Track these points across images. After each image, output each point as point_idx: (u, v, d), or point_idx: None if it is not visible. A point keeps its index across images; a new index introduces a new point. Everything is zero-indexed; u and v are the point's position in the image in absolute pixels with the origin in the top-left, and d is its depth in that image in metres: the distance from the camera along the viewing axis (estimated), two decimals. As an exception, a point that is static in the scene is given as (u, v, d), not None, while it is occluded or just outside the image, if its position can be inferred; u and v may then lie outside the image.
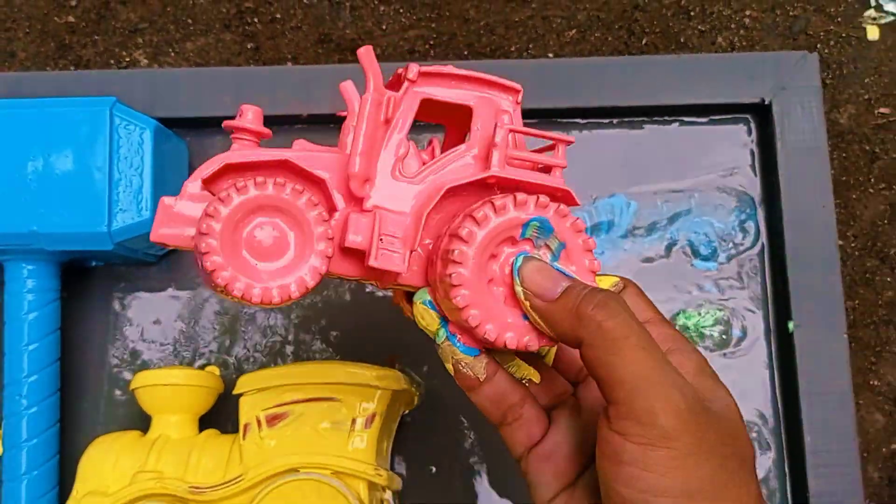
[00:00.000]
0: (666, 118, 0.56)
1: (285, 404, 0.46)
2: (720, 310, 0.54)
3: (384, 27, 0.82)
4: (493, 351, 0.35)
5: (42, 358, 0.50)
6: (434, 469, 0.53)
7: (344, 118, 0.35)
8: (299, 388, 0.47)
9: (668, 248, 0.55)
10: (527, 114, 0.55)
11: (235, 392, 0.48)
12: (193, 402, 0.50)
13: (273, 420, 0.46)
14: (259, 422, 0.46)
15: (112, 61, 0.96)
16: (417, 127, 0.36)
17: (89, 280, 0.55)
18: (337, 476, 0.44)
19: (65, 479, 0.51)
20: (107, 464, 0.48)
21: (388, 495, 0.52)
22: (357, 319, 0.55)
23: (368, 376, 0.47)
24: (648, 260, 0.55)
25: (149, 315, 0.55)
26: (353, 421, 0.46)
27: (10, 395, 0.50)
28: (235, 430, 0.48)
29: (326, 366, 0.48)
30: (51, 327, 0.51)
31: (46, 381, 0.51)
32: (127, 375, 0.54)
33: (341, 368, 0.47)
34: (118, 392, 0.54)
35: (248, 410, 0.47)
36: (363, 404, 0.46)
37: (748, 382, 0.54)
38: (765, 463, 0.53)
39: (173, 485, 0.45)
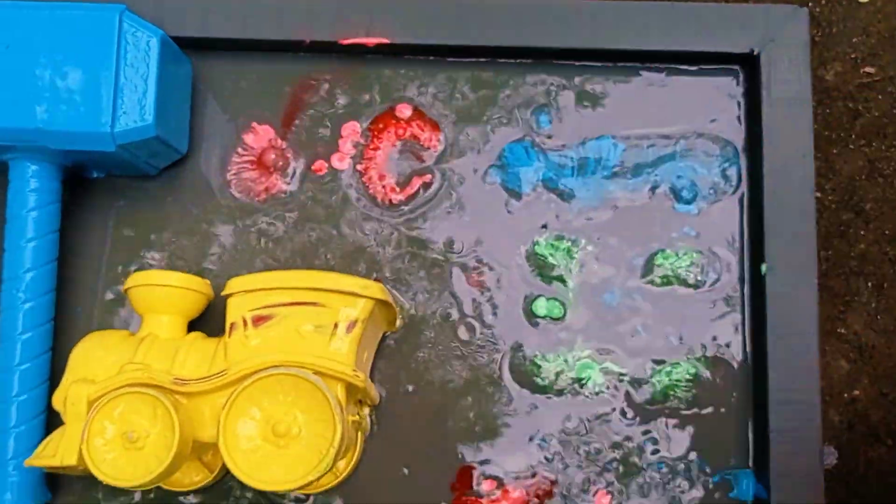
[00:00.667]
0: (657, 65, 0.58)
1: (271, 306, 0.48)
2: (697, 252, 0.56)
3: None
4: None
5: (41, 255, 0.52)
6: (411, 388, 0.55)
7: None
8: (285, 291, 0.48)
9: (652, 190, 0.57)
10: (522, 52, 0.57)
11: (224, 293, 0.50)
12: (184, 305, 0.52)
13: (258, 321, 0.48)
14: (245, 321, 0.48)
15: None
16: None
17: (90, 192, 0.57)
18: (316, 374, 0.46)
19: (55, 377, 0.53)
20: (96, 356, 0.49)
21: (366, 412, 0.54)
22: (345, 246, 0.56)
23: (353, 284, 0.49)
24: (631, 201, 0.57)
25: (147, 229, 0.57)
26: (336, 325, 0.48)
27: (8, 290, 0.52)
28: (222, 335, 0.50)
29: (313, 273, 0.50)
30: (51, 227, 0.53)
31: (44, 279, 0.52)
32: (122, 286, 0.56)
33: (327, 276, 0.49)
34: (111, 301, 0.56)
35: (235, 310, 0.49)
36: (346, 310, 0.48)
37: (720, 321, 0.56)
38: (728, 399, 0.55)
39: (159, 376, 0.47)
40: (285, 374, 0.46)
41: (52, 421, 0.53)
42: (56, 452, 0.47)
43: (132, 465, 0.45)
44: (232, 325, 0.49)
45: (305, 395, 0.45)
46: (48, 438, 0.48)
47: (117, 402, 0.46)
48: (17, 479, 0.51)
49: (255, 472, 0.44)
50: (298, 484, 0.44)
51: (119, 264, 0.56)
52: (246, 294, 0.49)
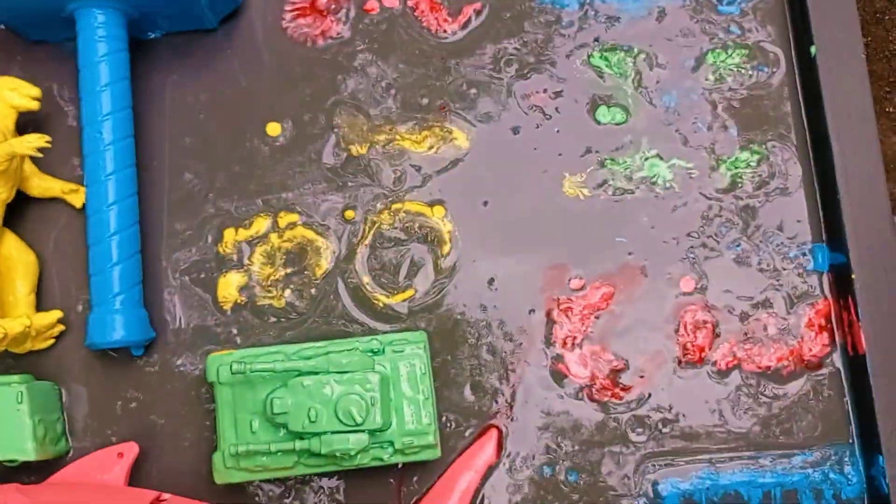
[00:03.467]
0: None
1: None
2: (745, 48, 0.58)
3: None
4: None
5: (118, 101, 0.53)
6: (484, 203, 0.56)
7: None
8: None
9: (695, -4, 0.59)
10: None
11: None
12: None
13: None
14: None
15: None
16: None
17: (149, 55, 0.57)
18: None
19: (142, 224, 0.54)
20: None
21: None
22: (405, 79, 0.58)
23: None
24: (678, 5, 0.59)
25: (206, 85, 0.58)
26: None
27: (90, 134, 0.52)
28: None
29: None
30: (123, 73, 0.54)
31: (122, 123, 0.53)
32: (187, 142, 0.57)
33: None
34: (179, 159, 0.57)
35: None
36: None
37: (776, 108, 0.58)
38: (795, 179, 0.57)
39: None
40: None
41: (147, 253, 0.54)
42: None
43: None
44: None
45: None
46: None
47: None
48: (123, 314, 0.51)
49: None
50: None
51: (182, 120, 0.57)
52: None
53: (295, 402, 0.48)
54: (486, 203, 0.56)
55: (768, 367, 0.54)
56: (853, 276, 0.53)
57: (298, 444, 0.48)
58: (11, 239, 0.54)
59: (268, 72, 0.58)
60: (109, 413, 0.54)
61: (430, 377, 0.51)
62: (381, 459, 0.50)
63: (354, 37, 0.58)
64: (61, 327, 0.54)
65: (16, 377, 0.51)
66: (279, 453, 0.49)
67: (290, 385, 0.49)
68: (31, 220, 0.56)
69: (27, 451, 0.49)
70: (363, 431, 0.48)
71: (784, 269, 0.56)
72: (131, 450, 0.52)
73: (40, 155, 0.50)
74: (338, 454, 0.48)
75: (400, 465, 0.52)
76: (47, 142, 0.49)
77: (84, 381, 0.54)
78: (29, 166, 0.54)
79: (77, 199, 0.55)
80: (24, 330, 0.50)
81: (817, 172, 0.57)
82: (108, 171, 0.52)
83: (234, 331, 0.55)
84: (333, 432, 0.48)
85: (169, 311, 0.55)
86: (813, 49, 0.56)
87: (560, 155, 0.57)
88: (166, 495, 0.50)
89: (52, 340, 0.54)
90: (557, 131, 0.57)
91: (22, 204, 0.55)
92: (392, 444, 0.50)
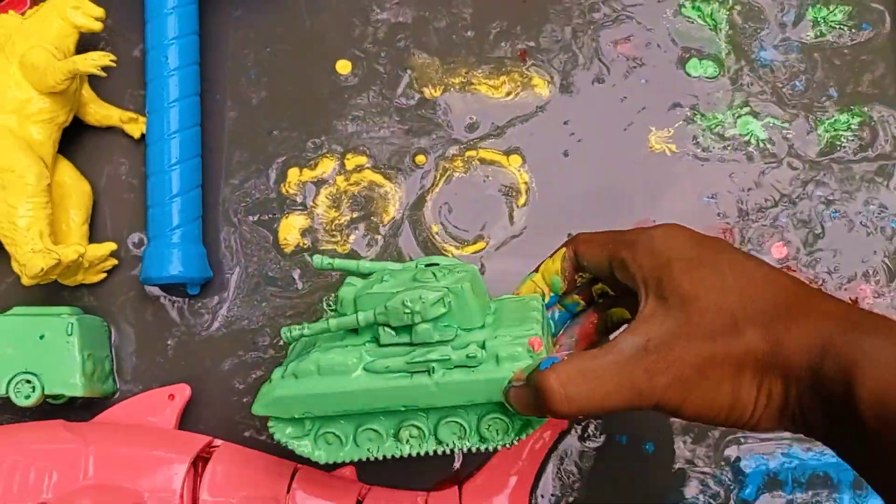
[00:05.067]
0: None
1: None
2: (848, 3, 0.55)
3: None
4: None
5: (184, 25, 0.50)
6: (566, 158, 0.53)
7: None
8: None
9: (796, -53, 0.55)
10: None
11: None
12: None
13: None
14: None
15: None
16: None
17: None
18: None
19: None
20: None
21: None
22: (487, 6, 0.55)
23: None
24: (777, -44, 0.55)
25: (274, 20, 0.55)
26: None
27: (155, 59, 0.50)
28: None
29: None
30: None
31: (188, 48, 0.50)
32: (252, 76, 0.54)
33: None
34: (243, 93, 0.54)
35: None
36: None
37: (876, 71, 0.54)
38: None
39: None
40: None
41: (207, 189, 0.51)
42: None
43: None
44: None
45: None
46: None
47: None
48: (181, 249, 0.49)
49: None
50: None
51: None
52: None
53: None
54: (566, 154, 0.53)
55: (863, 343, 0.51)
56: (962, 248, 0.49)
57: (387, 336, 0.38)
58: (66, 167, 0.51)
59: (338, 8, 0.55)
60: (159, 355, 0.51)
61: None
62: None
63: (431, -26, 0.55)
64: (114, 261, 0.51)
65: (66, 309, 0.48)
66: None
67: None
68: (85, 150, 0.53)
69: (75, 387, 0.46)
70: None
71: (885, 239, 0.52)
72: (183, 392, 0.49)
73: (104, 74, 0.47)
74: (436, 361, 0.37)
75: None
76: (112, 60, 0.47)
77: (134, 320, 0.52)
78: (87, 91, 0.52)
79: (136, 129, 0.52)
80: (78, 258, 0.47)
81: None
82: (171, 99, 0.49)
83: (295, 275, 0.52)
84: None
85: (227, 252, 0.52)
86: (924, 7, 0.53)
87: (646, 108, 0.54)
88: (218, 442, 0.47)
89: (104, 274, 0.51)
90: (645, 83, 0.54)
91: (77, 132, 0.52)
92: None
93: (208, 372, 0.51)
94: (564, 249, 0.42)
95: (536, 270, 0.43)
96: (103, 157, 0.53)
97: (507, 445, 0.39)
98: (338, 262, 0.42)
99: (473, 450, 0.39)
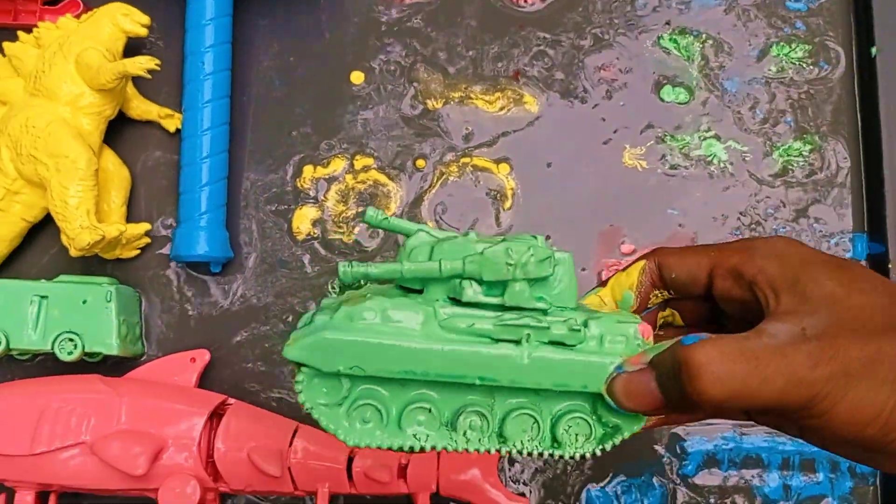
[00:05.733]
0: None
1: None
2: (809, 44, 0.61)
3: None
4: None
5: (219, 34, 0.57)
6: (549, 164, 0.60)
7: None
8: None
9: (765, -10, 0.62)
10: None
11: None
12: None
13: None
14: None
15: None
16: None
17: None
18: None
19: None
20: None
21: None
22: (487, 29, 0.61)
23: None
24: (747, -2, 0.62)
25: (296, 32, 0.61)
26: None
27: (193, 63, 0.57)
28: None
29: None
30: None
31: (222, 56, 0.57)
32: (276, 82, 0.61)
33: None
34: (267, 96, 0.61)
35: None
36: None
37: (834, 104, 0.61)
38: (842, 174, 0.60)
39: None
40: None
41: (231, 181, 0.58)
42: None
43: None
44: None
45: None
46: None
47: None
48: (207, 232, 0.56)
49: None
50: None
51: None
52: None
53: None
54: (549, 165, 0.60)
55: (800, 345, 0.58)
56: (889, 266, 0.56)
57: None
58: (109, 154, 0.58)
59: (355, 25, 0.62)
60: (182, 324, 0.58)
61: None
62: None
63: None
64: (147, 240, 0.58)
65: (105, 279, 0.55)
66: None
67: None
68: (126, 140, 0.60)
69: (111, 346, 0.53)
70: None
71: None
72: (203, 356, 0.56)
73: (149, 77, 0.54)
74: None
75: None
76: (157, 64, 0.54)
77: (161, 292, 0.59)
78: (131, 88, 0.58)
79: (171, 124, 0.59)
80: (119, 235, 0.54)
81: (866, 166, 0.60)
82: (205, 99, 0.56)
83: (305, 260, 0.59)
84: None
85: (246, 236, 0.59)
86: (874, 50, 0.59)
87: (622, 127, 0.61)
88: (231, 400, 0.54)
89: (138, 251, 0.58)
90: (622, 105, 0.61)
91: (120, 124, 0.59)
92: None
93: (224, 341, 0.58)
94: (643, 262, 0.37)
95: (603, 284, 0.38)
96: (141, 148, 0.60)
97: (583, 456, 0.34)
98: (394, 220, 0.35)
99: (540, 455, 0.33)
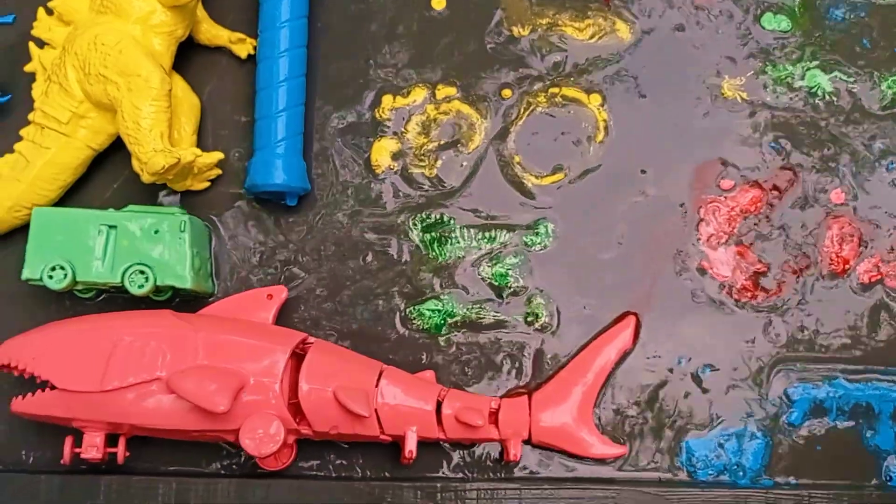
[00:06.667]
0: None
1: None
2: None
3: None
4: None
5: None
6: (646, 98, 0.56)
7: None
8: None
9: None
10: None
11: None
12: None
13: None
14: None
15: None
16: None
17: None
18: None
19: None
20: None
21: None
22: None
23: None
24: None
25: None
26: None
27: (268, 10, 0.53)
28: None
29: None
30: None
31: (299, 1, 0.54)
32: (352, 8, 0.57)
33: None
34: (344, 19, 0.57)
35: None
36: None
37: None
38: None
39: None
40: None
41: (307, 110, 0.55)
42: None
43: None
44: None
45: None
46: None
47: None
48: (285, 160, 0.52)
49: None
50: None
51: None
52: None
53: None
54: (643, 96, 0.57)
55: (912, 287, 0.54)
56: None
57: None
58: (179, 81, 0.55)
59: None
60: (254, 261, 0.55)
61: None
62: None
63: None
64: (218, 171, 0.55)
65: (177, 208, 0.52)
66: None
67: None
68: (193, 67, 0.57)
69: (185, 279, 0.50)
70: None
71: (940, 191, 0.55)
72: (280, 293, 0.53)
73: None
74: None
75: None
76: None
77: (232, 227, 0.55)
78: (201, 11, 0.55)
79: (243, 49, 0.56)
80: (193, 160, 0.51)
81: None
82: (283, 19, 0.53)
83: (384, 195, 0.55)
84: None
85: (323, 168, 0.56)
86: None
87: (721, 57, 0.57)
88: (312, 338, 0.51)
89: (208, 183, 0.55)
90: (721, 33, 0.57)
91: (187, 50, 0.56)
92: None
93: (300, 279, 0.54)
94: None
95: None
96: (207, 76, 0.57)
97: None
98: None
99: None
